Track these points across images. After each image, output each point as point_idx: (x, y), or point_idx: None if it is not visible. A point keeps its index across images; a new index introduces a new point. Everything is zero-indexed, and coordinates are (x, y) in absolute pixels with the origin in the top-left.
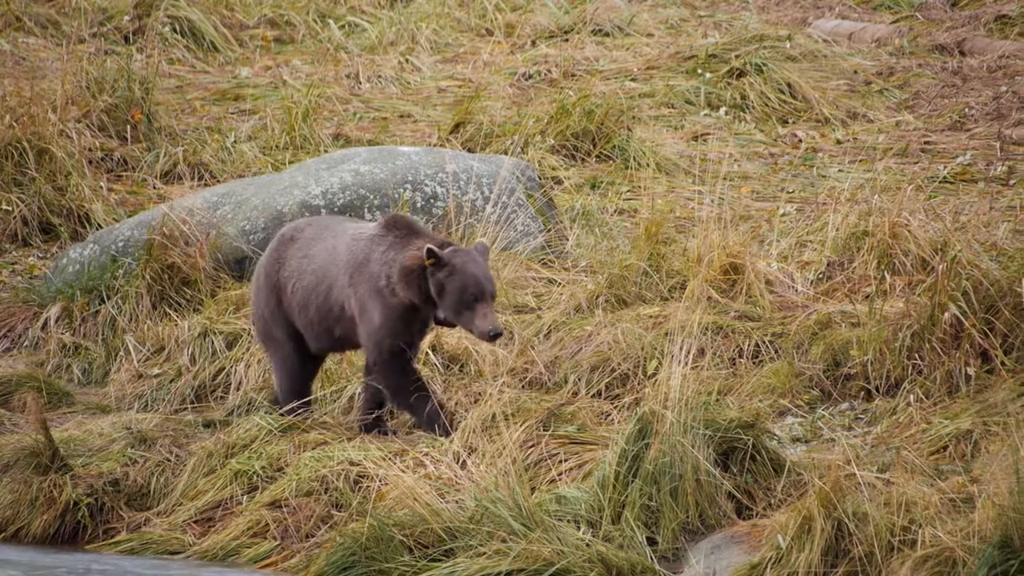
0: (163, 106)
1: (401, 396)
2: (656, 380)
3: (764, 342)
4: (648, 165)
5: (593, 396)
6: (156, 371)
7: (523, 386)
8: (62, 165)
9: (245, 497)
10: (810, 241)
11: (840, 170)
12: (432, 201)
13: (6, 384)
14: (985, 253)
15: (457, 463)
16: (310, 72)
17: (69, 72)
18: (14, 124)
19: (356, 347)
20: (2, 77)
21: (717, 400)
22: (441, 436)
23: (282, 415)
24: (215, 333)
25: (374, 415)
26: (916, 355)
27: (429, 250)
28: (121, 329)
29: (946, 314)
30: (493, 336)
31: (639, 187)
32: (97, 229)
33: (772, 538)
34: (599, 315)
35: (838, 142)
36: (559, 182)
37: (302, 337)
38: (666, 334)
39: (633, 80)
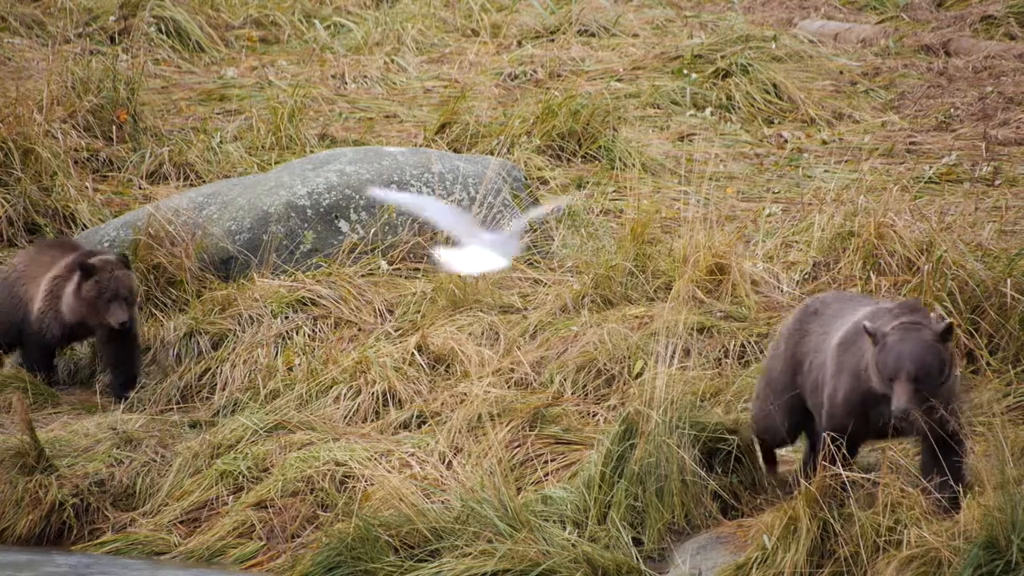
0: (149, 106)
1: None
2: (642, 380)
3: (750, 342)
4: (634, 165)
5: (579, 396)
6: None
7: (509, 386)
8: (47, 165)
9: (231, 497)
10: (796, 241)
11: (826, 170)
12: None
13: None
14: (970, 253)
15: (443, 463)
16: (296, 72)
17: (55, 72)
18: None
19: (879, 438)
20: None
21: (703, 403)
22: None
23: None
24: (201, 333)
25: None
26: None
27: (864, 328)
28: None
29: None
30: (900, 416)
31: (625, 187)
32: (83, 229)
33: (758, 538)
34: (585, 315)
35: (824, 142)
36: (545, 182)
37: (805, 415)
38: (652, 334)
39: (619, 80)
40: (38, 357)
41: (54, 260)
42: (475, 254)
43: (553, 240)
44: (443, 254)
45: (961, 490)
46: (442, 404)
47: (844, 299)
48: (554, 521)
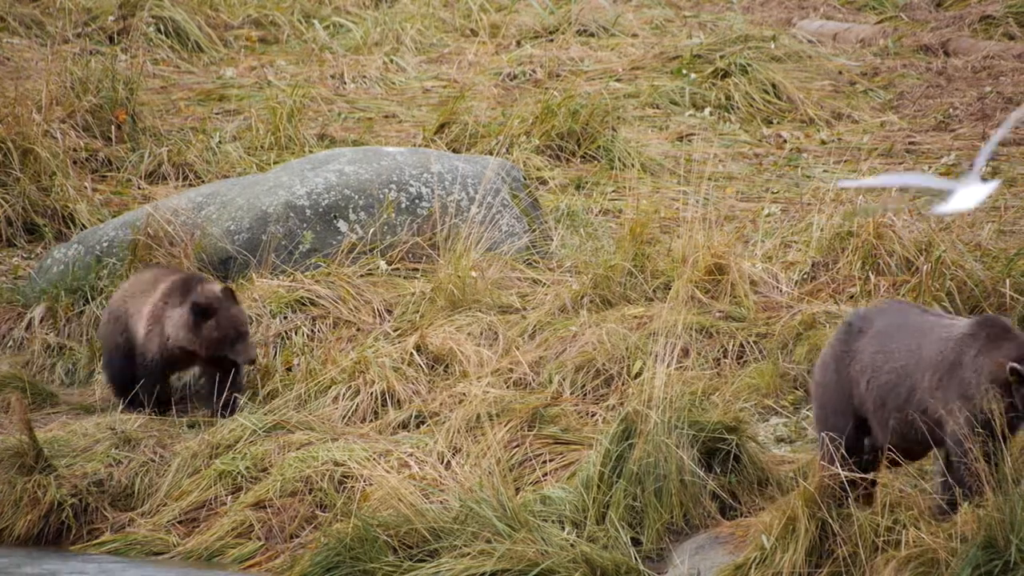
0: (148, 106)
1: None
2: (640, 380)
3: (748, 342)
4: (633, 165)
5: (577, 396)
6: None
7: (507, 386)
8: (46, 165)
9: (229, 497)
10: (795, 241)
11: (825, 170)
12: (417, 202)
13: None
14: (969, 253)
15: (441, 463)
16: (295, 72)
17: (53, 72)
18: None
19: (927, 450)
20: None
21: (701, 403)
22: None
23: None
24: None
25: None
26: None
27: (1012, 369)
28: None
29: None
30: None
31: (624, 187)
32: (81, 229)
33: (756, 538)
34: (584, 315)
35: (823, 142)
36: (544, 182)
37: (862, 431)
38: (651, 334)
39: (618, 80)
40: (146, 385)
41: (155, 283)
42: (969, 191)
43: (552, 240)
44: (942, 205)
45: (959, 492)
46: (441, 404)
47: (893, 315)
48: (553, 521)
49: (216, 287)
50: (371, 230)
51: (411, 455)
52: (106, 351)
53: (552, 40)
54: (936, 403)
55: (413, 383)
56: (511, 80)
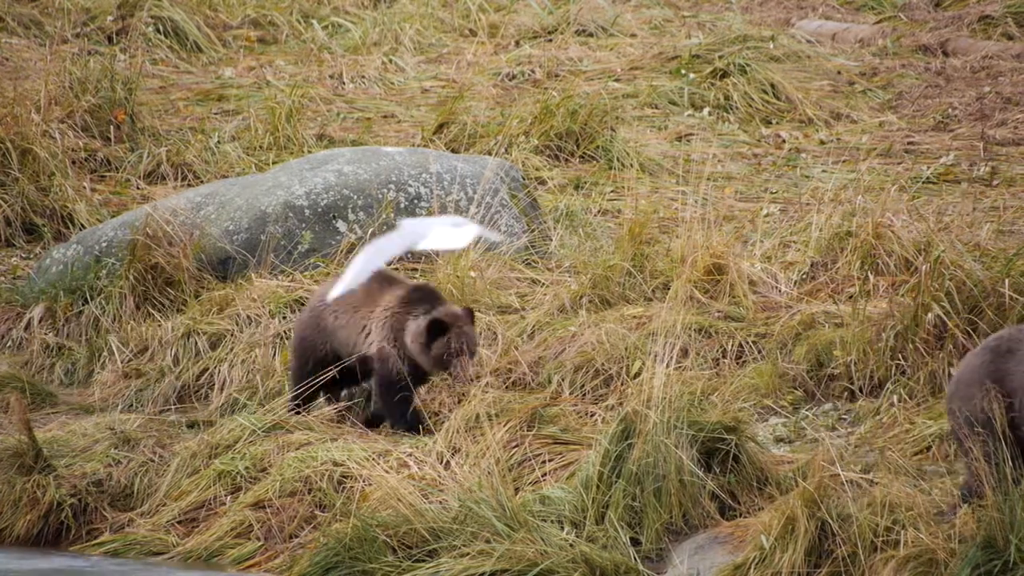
0: (146, 106)
1: None
2: (640, 380)
3: (748, 342)
4: (632, 165)
5: (577, 396)
6: (139, 371)
7: (507, 386)
8: (45, 165)
9: (229, 498)
10: (793, 241)
11: (824, 170)
12: (416, 202)
13: None
14: (968, 253)
15: (441, 463)
16: (294, 72)
17: (52, 72)
18: None
19: None
20: None
21: (700, 403)
22: None
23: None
24: (199, 334)
25: None
26: (899, 355)
27: None
28: (104, 329)
29: (929, 314)
30: None
31: (623, 187)
32: (80, 229)
33: (755, 538)
34: (583, 315)
35: (821, 142)
36: (543, 182)
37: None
38: (650, 334)
39: (617, 80)
40: (395, 405)
41: (379, 291)
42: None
43: (551, 240)
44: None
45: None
46: (440, 404)
47: None
48: (552, 521)
49: (458, 309)
50: (370, 230)
51: (410, 455)
52: (299, 358)
53: (551, 40)
54: None
55: None
56: (510, 80)
